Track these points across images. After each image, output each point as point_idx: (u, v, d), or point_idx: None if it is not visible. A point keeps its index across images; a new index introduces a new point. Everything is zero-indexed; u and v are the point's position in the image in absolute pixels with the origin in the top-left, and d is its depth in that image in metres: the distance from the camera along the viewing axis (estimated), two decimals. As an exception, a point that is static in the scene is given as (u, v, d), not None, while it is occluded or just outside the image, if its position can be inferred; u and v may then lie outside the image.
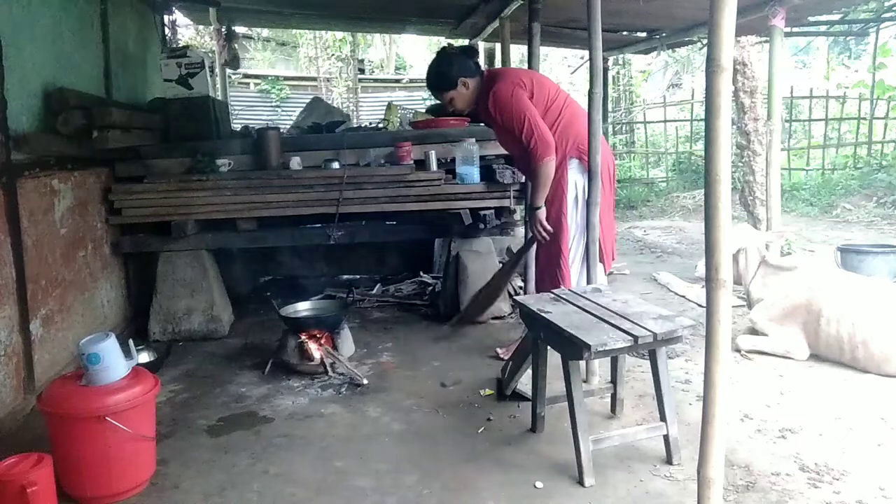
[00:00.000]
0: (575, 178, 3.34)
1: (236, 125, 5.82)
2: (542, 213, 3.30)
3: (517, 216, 4.52)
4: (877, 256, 4.65)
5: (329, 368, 3.37)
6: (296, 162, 4.19)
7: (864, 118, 10.45)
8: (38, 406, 2.34)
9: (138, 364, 2.51)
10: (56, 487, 2.20)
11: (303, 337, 3.42)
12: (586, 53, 3.36)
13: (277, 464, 2.56)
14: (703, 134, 1.99)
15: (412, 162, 4.20)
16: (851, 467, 2.39)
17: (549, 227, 3.31)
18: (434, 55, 3.57)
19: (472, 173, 4.12)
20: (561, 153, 3.28)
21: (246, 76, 12.71)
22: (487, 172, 4.17)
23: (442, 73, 3.37)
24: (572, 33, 6.10)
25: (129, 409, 2.29)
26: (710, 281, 1.77)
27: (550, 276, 3.38)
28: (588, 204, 3.16)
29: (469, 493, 2.32)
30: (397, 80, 14.07)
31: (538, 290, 3.40)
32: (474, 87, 3.36)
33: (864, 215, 8.10)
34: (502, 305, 4.29)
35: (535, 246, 3.47)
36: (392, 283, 5.11)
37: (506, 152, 3.95)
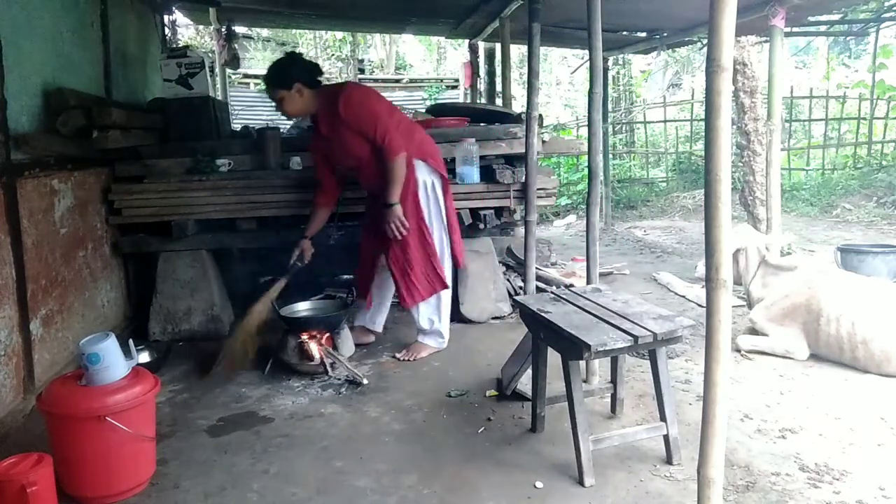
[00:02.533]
0: (423, 178, 3.56)
1: (236, 125, 5.82)
2: (399, 210, 3.42)
3: (517, 216, 4.52)
4: (877, 256, 4.65)
5: (329, 368, 3.37)
6: (296, 162, 4.20)
7: (864, 118, 10.44)
8: (38, 406, 2.34)
9: (138, 364, 2.51)
10: (56, 487, 2.20)
11: (303, 337, 3.42)
12: (586, 53, 3.37)
13: (277, 464, 2.56)
14: (703, 134, 1.99)
15: (412, 162, 4.19)
16: (851, 467, 2.39)
17: (406, 223, 3.45)
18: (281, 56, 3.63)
19: (472, 173, 4.12)
20: (407, 156, 3.43)
21: (246, 76, 12.69)
22: (487, 172, 4.17)
23: (283, 71, 3.42)
24: (572, 33, 6.10)
25: (129, 409, 2.29)
26: (710, 281, 1.77)
27: (429, 270, 3.56)
28: (588, 204, 3.17)
29: (469, 493, 2.32)
30: (397, 80, 14.06)
31: (414, 289, 3.53)
32: (308, 99, 3.41)
33: (864, 215, 8.09)
34: (502, 306, 4.30)
35: (392, 249, 3.54)
36: (392, 283, 5.10)
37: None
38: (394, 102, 3.71)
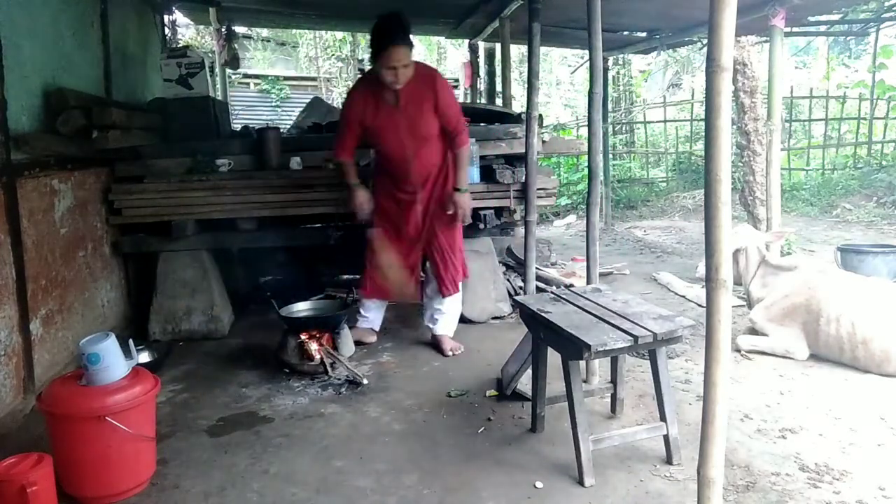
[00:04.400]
0: None
1: (236, 125, 5.82)
2: (469, 195, 3.59)
3: (517, 216, 4.52)
4: (877, 256, 4.65)
5: (329, 368, 3.37)
6: (296, 162, 4.19)
7: (864, 118, 10.44)
8: (38, 406, 2.34)
9: (138, 364, 2.51)
10: (56, 487, 2.20)
11: (303, 337, 3.42)
12: (586, 53, 3.37)
13: (277, 464, 2.56)
14: (703, 134, 1.99)
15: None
16: (851, 467, 2.39)
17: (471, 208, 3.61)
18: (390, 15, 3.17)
19: (472, 173, 4.11)
20: None
21: (246, 76, 12.68)
22: (487, 172, 4.17)
23: (407, 30, 3.22)
24: (572, 33, 6.10)
25: (129, 409, 2.29)
26: (710, 281, 1.77)
27: (456, 261, 3.71)
28: (588, 204, 3.17)
29: (469, 492, 2.32)
30: (397, 80, 14.03)
31: (456, 274, 3.68)
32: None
33: (864, 215, 8.10)
34: (502, 306, 4.29)
35: (439, 237, 3.66)
36: (392, 283, 5.09)
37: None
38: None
